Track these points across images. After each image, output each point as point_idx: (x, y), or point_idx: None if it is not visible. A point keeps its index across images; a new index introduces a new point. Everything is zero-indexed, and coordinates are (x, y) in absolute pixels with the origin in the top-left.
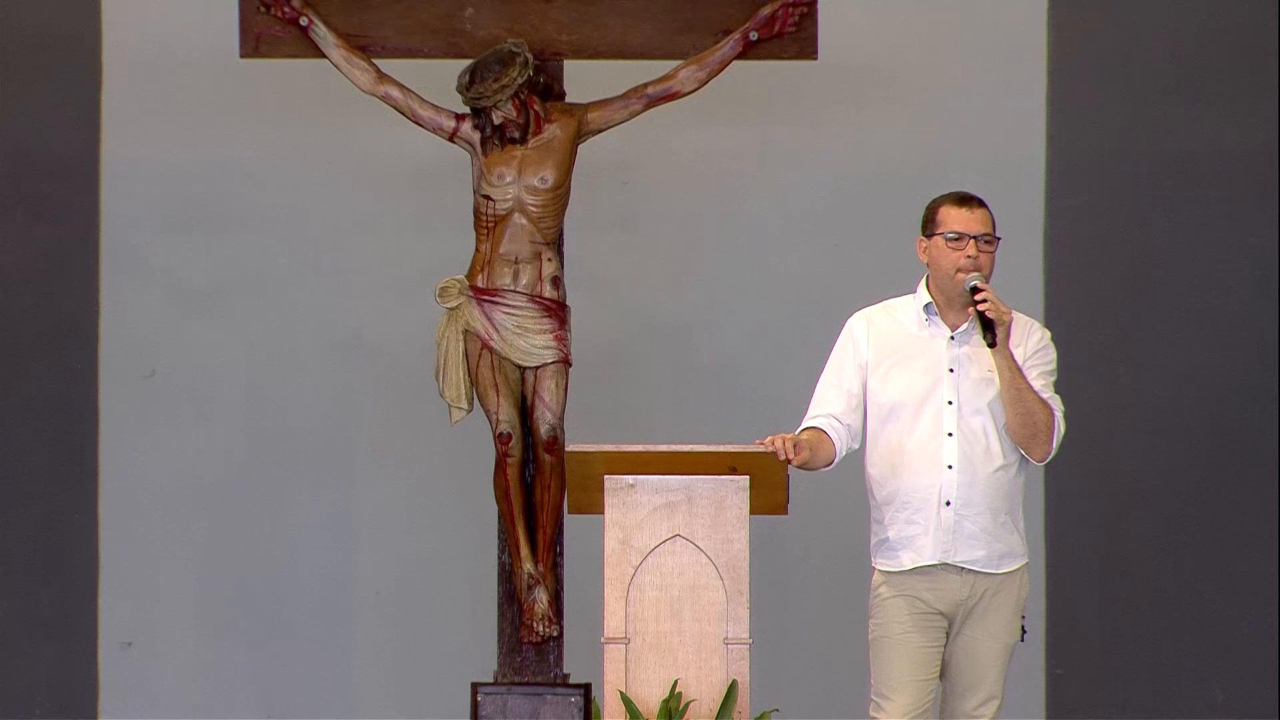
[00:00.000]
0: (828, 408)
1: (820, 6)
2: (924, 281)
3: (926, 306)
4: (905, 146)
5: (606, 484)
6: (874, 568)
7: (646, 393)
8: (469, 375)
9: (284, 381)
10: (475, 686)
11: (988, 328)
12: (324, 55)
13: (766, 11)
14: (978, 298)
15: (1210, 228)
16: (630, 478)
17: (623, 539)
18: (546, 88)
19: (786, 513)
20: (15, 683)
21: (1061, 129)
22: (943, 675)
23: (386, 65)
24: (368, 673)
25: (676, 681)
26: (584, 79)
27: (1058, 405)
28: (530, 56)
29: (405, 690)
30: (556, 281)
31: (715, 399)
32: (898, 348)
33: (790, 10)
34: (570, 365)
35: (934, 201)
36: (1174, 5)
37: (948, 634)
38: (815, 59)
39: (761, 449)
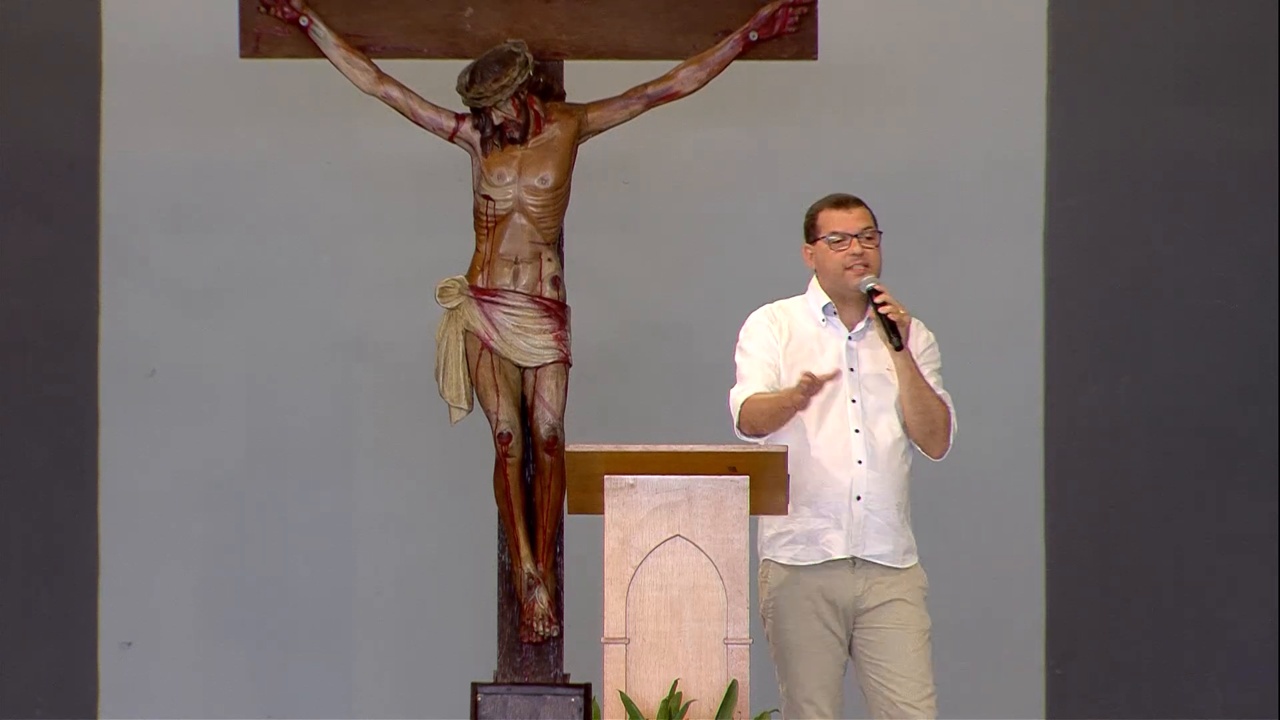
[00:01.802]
0: (760, 383)
1: (820, 6)
2: (814, 283)
3: (825, 307)
4: (905, 146)
5: (606, 484)
6: (769, 561)
7: (646, 393)
8: (469, 375)
9: (284, 381)
10: (475, 686)
11: (892, 331)
12: (324, 55)
13: (766, 11)
14: (877, 299)
15: (1210, 228)
16: (630, 478)
17: (623, 539)
18: (546, 88)
19: (786, 513)
20: (15, 683)
21: (1061, 129)
22: (866, 674)
23: (386, 65)
24: (368, 673)
25: (676, 681)
26: (584, 79)
27: (949, 401)
28: (530, 56)
29: (405, 690)
30: (556, 281)
31: (715, 399)
32: (798, 347)
33: (790, 10)
34: (570, 365)
35: (812, 208)
36: (1174, 6)
37: (849, 632)
38: (815, 59)
39: (762, 449)
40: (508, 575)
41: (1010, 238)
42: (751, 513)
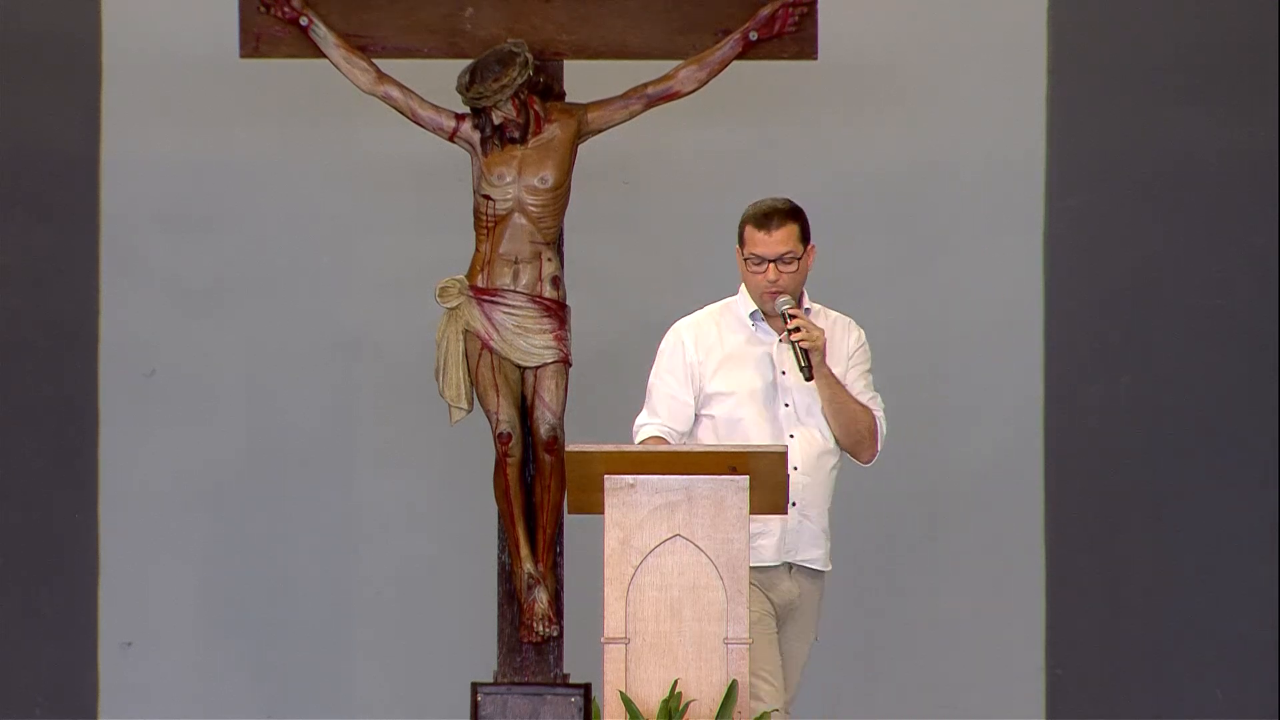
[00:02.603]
0: (666, 418)
1: (820, 6)
2: (744, 288)
3: (753, 314)
4: (905, 146)
5: (606, 484)
6: None
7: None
8: (469, 375)
9: (284, 381)
10: (475, 686)
11: (801, 362)
12: (324, 55)
13: (766, 11)
14: (790, 325)
15: (1210, 228)
16: (630, 478)
17: (623, 539)
18: (546, 88)
19: (786, 513)
20: (15, 683)
21: (1061, 129)
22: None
23: (386, 65)
24: (368, 673)
25: (676, 681)
26: (584, 79)
27: (879, 405)
28: (530, 56)
29: (405, 690)
30: (556, 281)
31: None
32: (728, 354)
33: (790, 10)
34: (570, 365)
35: (744, 214)
36: (1174, 5)
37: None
38: (815, 59)
39: (762, 449)
40: (508, 575)
41: (1010, 238)
42: (751, 513)
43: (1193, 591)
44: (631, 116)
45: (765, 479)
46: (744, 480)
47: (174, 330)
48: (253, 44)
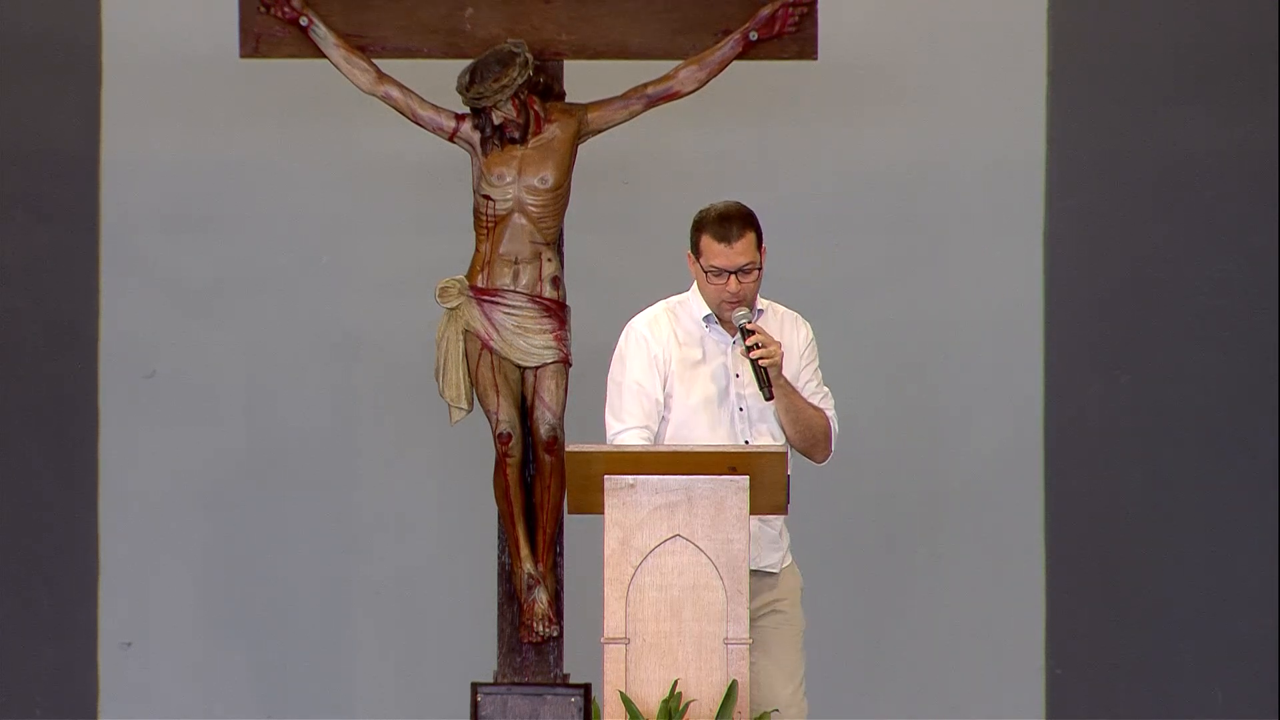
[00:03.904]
0: (643, 419)
1: (820, 6)
2: (695, 289)
3: (706, 318)
4: (905, 146)
5: (606, 484)
6: None
7: None
8: (469, 375)
9: (284, 381)
10: (475, 686)
11: (762, 380)
12: (324, 55)
13: (766, 11)
14: (749, 341)
15: (1210, 228)
16: (630, 478)
17: (623, 539)
18: (546, 88)
19: (786, 513)
20: (15, 683)
21: (1061, 129)
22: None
23: (386, 65)
24: (368, 673)
25: (676, 681)
26: (584, 79)
27: (829, 403)
28: (530, 56)
29: (405, 690)
30: (556, 281)
31: None
32: (685, 355)
33: (790, 10)
34: (570, 365)
35: (698, 219)
36: (1174, 5)
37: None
38: (815, 59)
39: (762, 450)
40: (508, 575)
41: (1010, 238)
42: (751, 513)
43: (1193, 591)
44: (632, 116)
45: (765, 479)
46: (744, 480)
47: (174, 330)
48: (253, 44)
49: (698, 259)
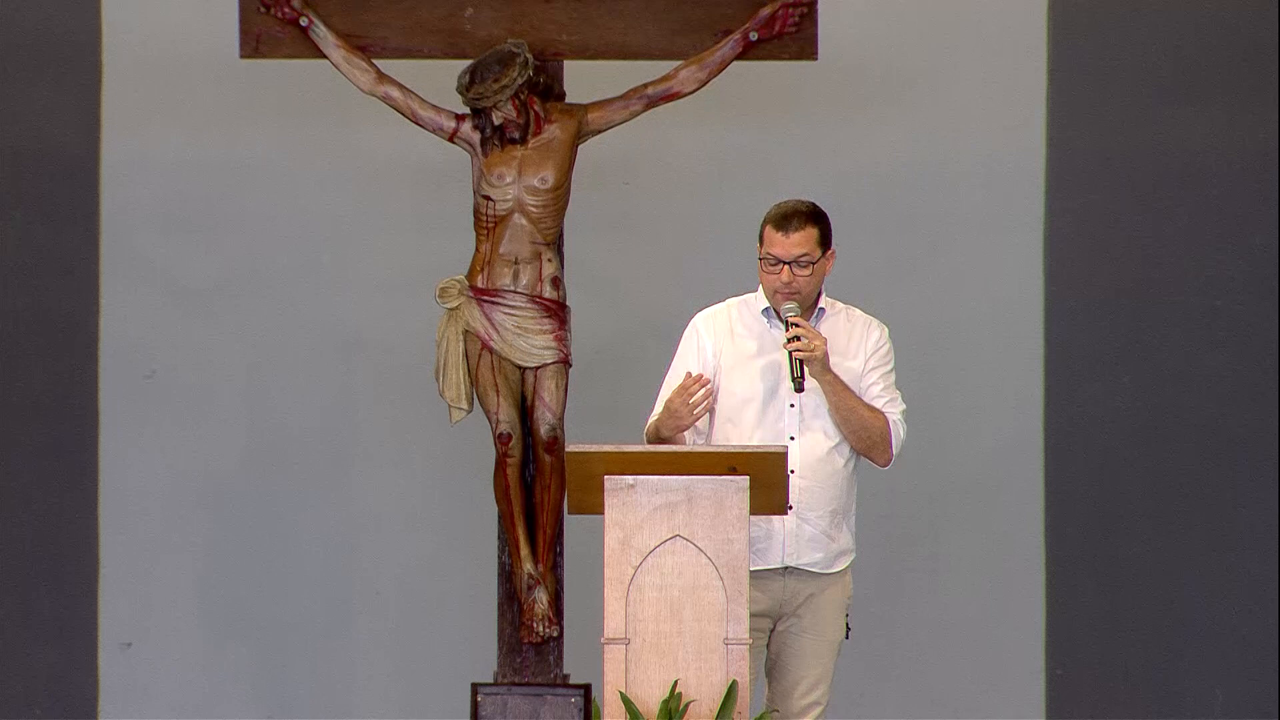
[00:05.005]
0: None
1: (820, 6)
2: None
3: (765, 311)
4: (905, 146)
5: (606, 484)
6: None
7: (646, 393)
8: (469, 375)
9: (284, 381)
10: (475, 687)
11: (795, 372)
12: (324, 55)
13: (766, 11)
14: (790, 334)
15: (1210, 228)
16: (630, 478)
17: (623, 539)
18: (546, 88)
19: (786, 513)
20: (15, 683)
21: (1061, 129)
22: (768, 675)
23: (386, 65)
24: (368, 673)
25: (676, 681)
26: (584, 79)
27: (897, 408)
28: (530, 57)
29: (405, 690)
30: (556, 282)
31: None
32: (740, 349)
33: (790, 10)
34: (570, 365)
35: (767, 213)
36: (1174, 5)
37: (769, 633)
38: (815, 59)
39: (762, 450)
40: (508, 575)
41: (1010, 238)
42: (752, 513)
43: (1193, 591)
44: (632, 117)
45: (765, 479)
46: (744, 480)
47: (174, 330)
48: (253, 44)
49: (759, 248)
